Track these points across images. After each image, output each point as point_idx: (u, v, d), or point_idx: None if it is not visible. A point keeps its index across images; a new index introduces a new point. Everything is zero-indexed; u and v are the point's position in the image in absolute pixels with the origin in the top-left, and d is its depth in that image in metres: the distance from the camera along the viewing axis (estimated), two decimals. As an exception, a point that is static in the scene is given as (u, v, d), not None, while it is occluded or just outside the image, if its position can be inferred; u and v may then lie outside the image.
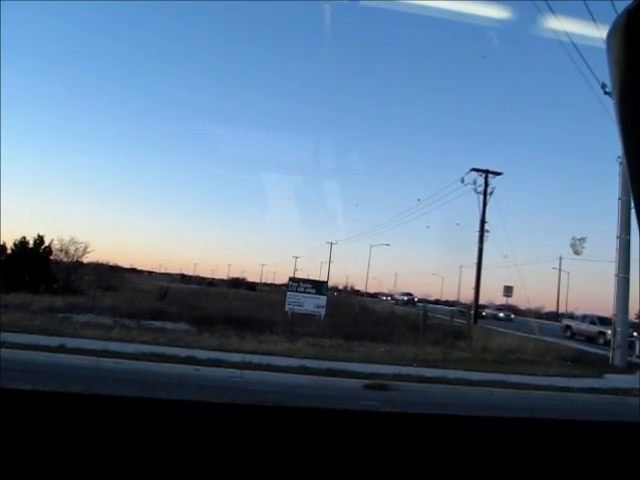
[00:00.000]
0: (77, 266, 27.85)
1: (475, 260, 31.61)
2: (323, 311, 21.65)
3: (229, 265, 72.30)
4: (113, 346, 12.63)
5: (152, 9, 35.86)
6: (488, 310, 41.95)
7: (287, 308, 21.39)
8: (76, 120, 45.93)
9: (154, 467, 1.12)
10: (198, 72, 42.64)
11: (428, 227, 44.70)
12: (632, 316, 22.10)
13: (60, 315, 18.08)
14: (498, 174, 31.17)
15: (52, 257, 26.45)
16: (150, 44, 41.78)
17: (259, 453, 1.17)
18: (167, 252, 78.69)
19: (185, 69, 43.05)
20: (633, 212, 0.73)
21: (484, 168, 31.19)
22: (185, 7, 32.80)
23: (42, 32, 36.14)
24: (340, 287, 58.11)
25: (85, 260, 28.81)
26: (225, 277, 60.34)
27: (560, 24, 8.71)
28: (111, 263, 33.63)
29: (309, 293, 21.60)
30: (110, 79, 42.18)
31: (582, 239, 26.03)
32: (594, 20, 6.46)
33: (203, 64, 43.75)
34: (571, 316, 30.91)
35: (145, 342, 14.25)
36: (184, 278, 61.50)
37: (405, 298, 50.56)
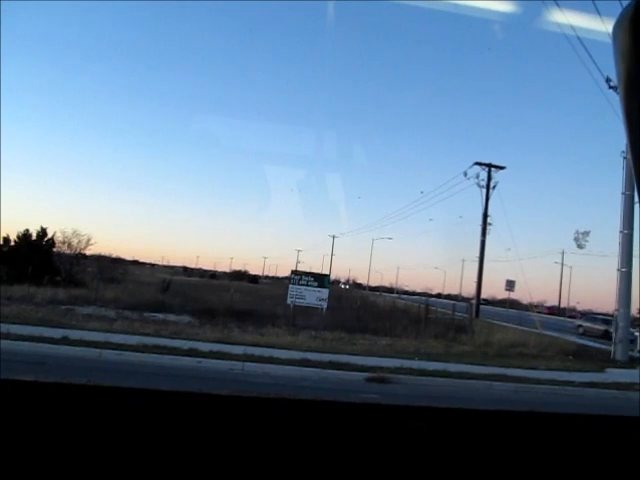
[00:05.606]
0: (80, 258, 27.91)
1: (477, 254, 31.67)
2: (325, 304, 21.64)
3: (231, 258, 72.37)
4: (116, 338, 12.68)
5: (152, 3, 35.68)
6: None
7: (289, 301, 21.39)
8: (78, 113, 46.00)
9: (156, 458, 1.13)
10: (200, 65, 42.52)
11: (431, 220, 44.59)
12: (634, 311, 22.03)
13: (63, 307, 18.17)
14: (501, 168, 31.10)
15: (55, 249, 26.53)
16: (152, 38, 41.69)
17: (260, 445, 1.17)
18: (169, 245, 79.08)
19: (187, 61, 42.95)
20: (637, 207, 0.73)
21: (487, 162, 31.15)
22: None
23: (42, 27, 36.02)
24: (342, 280, 58.25)
25: (88, 252, 28.91)
26: (227, 270, 60.65)
27: (565, 17, 8.66)
28: (114, 255, 33.77)
29: (311, 286, 21.57)
30: (113, 71, 42.09)
31: (586, 233, 25.93)
32: (599, 13, 6.41)
33: (204, 56, 43.63)
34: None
35: (147, 334, 14.31)
36: (186, 271, 61.72)
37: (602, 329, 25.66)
